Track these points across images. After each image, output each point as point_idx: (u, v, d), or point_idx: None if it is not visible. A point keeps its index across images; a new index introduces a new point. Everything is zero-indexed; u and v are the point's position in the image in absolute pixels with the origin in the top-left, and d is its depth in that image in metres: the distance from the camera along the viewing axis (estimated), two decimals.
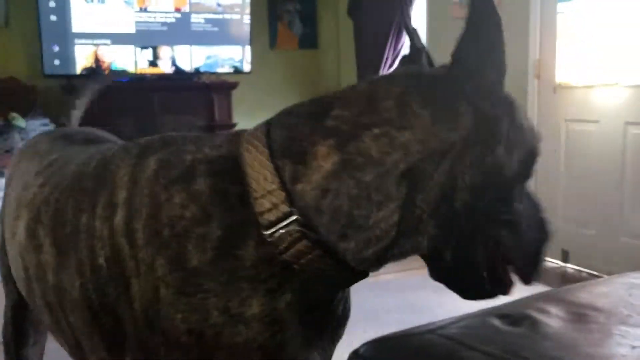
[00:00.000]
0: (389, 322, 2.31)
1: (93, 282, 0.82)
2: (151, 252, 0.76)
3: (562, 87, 3.31)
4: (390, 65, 4.27)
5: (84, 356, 0.93)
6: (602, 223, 3.13)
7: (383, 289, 2.88)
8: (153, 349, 0.78)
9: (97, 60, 4.16)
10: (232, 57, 4.49)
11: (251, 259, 0.73)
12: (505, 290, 0.81)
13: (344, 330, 0.92)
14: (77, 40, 4.10)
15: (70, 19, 4.06)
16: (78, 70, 4.13)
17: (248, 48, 4.51)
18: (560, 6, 3.30)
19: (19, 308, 1.33)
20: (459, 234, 0.75)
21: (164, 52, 4.32)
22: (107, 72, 4.15)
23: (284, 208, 0.72)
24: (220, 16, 4.43)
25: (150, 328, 0.77)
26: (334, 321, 0.88)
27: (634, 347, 0.93)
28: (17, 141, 3.63)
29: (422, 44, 0.92)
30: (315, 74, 5.13)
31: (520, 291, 0.87)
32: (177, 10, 4.33)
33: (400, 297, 2.82)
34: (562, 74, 3.30)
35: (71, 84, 4.03)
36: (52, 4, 4.01)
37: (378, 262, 0.75)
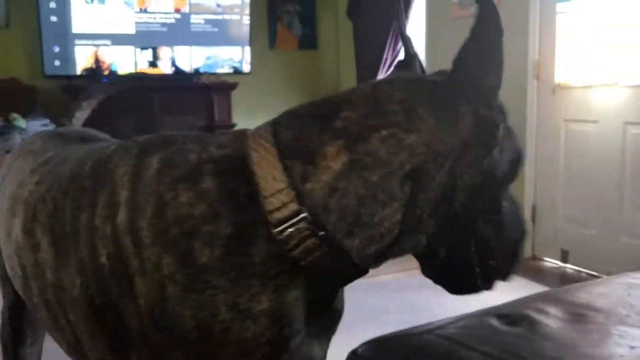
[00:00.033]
0: (388, 322, 2.30)
1: (94, 281, 0.82)
2: (157, 250, 0.76)
3: (562, 87, 3.31)
4: (390, 66, 4.27)
5: (83, 354, 0.93)
6: (602, 223, 3.13)
7: (382, 289, 2.88)
8: (158, 346, 0.79)
9: (97, 60, 4.16)
10: (231, 57, 4.49)
11: (260, 256, 0.75)
12: (490, 286, 0.87)
13: (337, 326, 0.94)
14: (77, 41, 4.11)
15: (70, 19, 4.06)
16: (78, 71, 4.13)
17: (247, 49, 4.51)
18: (559, 6, 3.30)
19: (16, 308, 1.33)
20: (455, 232, 0.79)
21: (164, 52, 4.32)
22: (107, 72, 4.16)
23: (294, 206, 0.74)
24: (219, 17, 4.43)
25: (155, 326, 0.77)
26: (330, 317, 0.90)
27: (632, 347, 0.93)
28: (18, 141, 3.63)
29: (415, 51, 0.96)
30: (314, 74, 5.13)
31: (519, 291, 0.88)
32: (177, 10, 4.34)
33: (400, 297, 2.82)
34: (562, 74, 3.31)
35: (71, 84, 4.04)
36: (52, 5, 4.01)
37: (379, 259, 0.78)
